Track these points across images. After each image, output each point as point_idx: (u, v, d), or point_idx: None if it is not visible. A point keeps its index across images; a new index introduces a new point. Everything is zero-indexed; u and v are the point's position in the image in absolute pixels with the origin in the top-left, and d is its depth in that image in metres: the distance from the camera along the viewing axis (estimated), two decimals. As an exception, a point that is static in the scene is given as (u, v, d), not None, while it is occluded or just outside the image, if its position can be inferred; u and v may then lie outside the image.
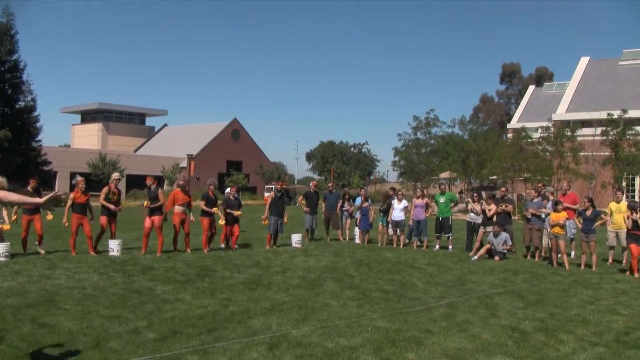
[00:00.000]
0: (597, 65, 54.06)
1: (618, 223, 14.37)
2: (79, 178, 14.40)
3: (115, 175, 15.09)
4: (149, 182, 14.67)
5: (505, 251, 15.15)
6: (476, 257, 14.88)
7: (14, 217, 14.41)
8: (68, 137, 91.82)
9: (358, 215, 18.68)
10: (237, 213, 15.66)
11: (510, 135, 49.48)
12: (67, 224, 14.06)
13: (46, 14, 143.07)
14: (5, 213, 13.92)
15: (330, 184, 21.55)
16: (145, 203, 14.57)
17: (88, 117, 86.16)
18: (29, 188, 14.03)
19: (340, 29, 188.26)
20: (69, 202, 14.01)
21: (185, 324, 7.61)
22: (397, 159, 51.96)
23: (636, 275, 12.66)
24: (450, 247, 16.85)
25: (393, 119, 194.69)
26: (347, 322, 7.91)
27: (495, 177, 44.74)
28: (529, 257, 15.38)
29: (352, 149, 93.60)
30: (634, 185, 41.90)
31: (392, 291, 10.32)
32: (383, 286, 10.79)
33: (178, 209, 14.73)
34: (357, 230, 18.80)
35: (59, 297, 9.03)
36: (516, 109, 69.70)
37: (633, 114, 39.07)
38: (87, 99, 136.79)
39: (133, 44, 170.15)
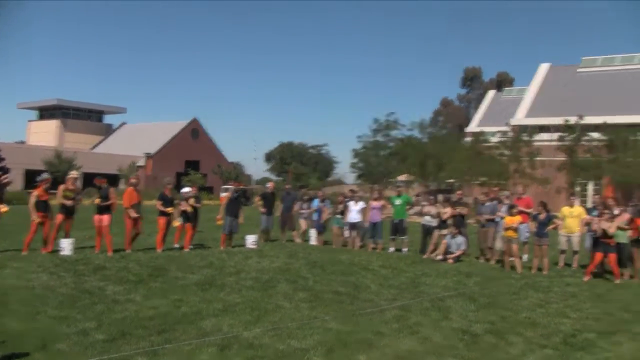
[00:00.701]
0: (557, 71, 55.12)
1: (569, 227, 14.77)
2: (46, 176, 14.13)
3: (74, 174, 14.78)
4: (97, 182, 14.45)
5: (459, 254, 15.31)
6: (440, 256, 15.06)
7: None
8: (24, 134, 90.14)
9: (315, 217, 18.69)
10: (190, 202, 15.60)
11: (468, 139, 50.12)
12: (37, 221, 13.63)
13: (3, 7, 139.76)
14: None
15: (288, 185, 21.53)
16: (97, 200, 14.29)
17: (46, 113, 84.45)
18: None
19: (301, 29, 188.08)
20: (33, 199, 13.68)
21: (135, 324, 7.51)
22: (355, 160, 52.24)
23: (617, 280, 12.97)
24: (405, 249, 16.96)
25: (355, 121, 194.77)
26: (299, 323, 7.91)
27: (452, 180, 45.24)
28: (482, 260, 15.57)
29: (311, 150, 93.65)
30: (586, 190, 42.77)
31: (344, 293, 10.34)
32: (336, 288, 10.79)
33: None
34: (312, 232, 18.81)
35: (6, 297, 8.82)
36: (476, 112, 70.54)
37: (589, 120, 39.89)
38: (45, 95, 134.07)
39: (94, 41, 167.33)
